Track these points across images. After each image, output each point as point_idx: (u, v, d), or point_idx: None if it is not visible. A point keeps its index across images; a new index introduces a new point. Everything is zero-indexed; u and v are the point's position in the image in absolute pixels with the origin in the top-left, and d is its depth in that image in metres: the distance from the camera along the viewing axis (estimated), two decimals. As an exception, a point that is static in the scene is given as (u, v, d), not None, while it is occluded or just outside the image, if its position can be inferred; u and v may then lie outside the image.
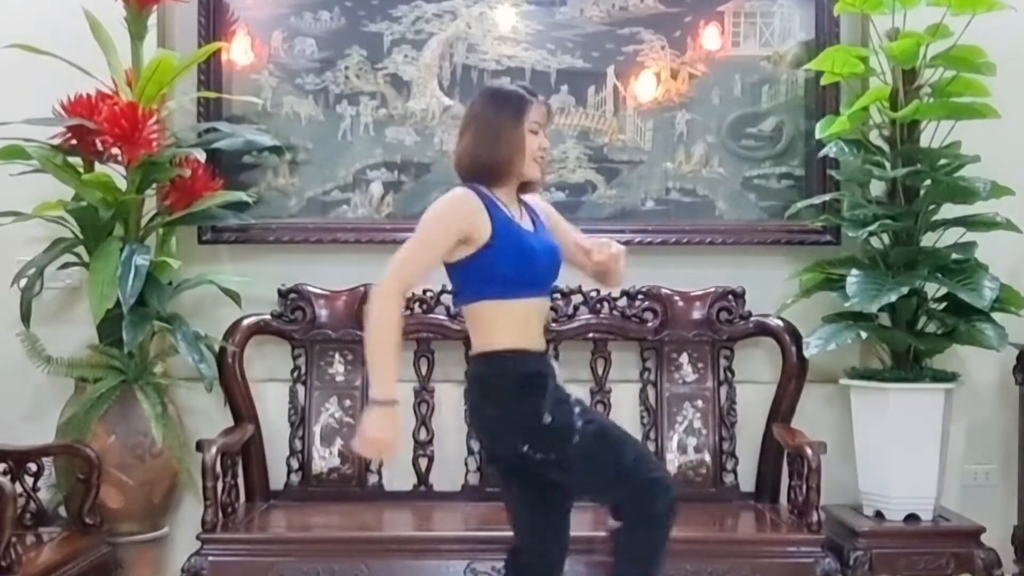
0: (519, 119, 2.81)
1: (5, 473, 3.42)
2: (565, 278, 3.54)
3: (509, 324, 2.79)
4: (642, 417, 4.01)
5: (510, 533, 3.02)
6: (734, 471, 3.98)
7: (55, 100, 3.68)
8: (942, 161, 3.73)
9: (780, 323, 3.97)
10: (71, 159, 3.69)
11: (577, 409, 2.82)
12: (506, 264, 2.77)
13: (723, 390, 4.02)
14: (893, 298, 3.55)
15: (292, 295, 3.99)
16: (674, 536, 3.38)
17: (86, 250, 3.73)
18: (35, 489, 3.55)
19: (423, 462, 3.94)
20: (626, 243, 3.93)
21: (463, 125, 2.92)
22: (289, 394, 4.00)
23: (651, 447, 3.96)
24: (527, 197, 2.96)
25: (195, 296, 3.96)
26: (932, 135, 3.78)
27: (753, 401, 4.01)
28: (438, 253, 2.78)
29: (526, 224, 2.87)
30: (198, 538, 3.44)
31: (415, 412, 3.96)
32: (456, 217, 2.76)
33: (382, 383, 2.74)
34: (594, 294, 3.98)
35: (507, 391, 2.80)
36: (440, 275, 2.98)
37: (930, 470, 3.67)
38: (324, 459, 3.94)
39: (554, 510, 2.94)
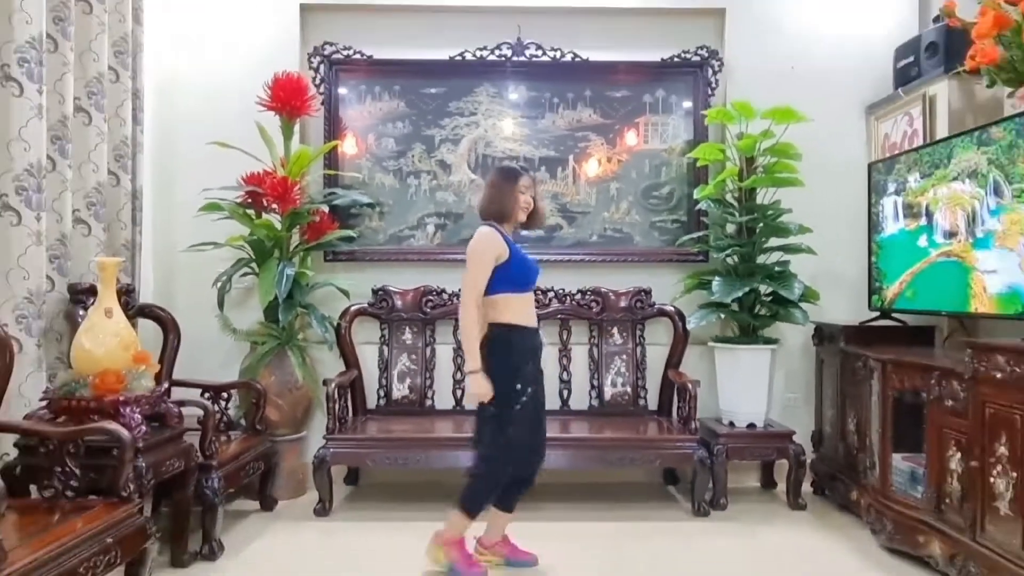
0: (514, 184, 2.77)
1: (209, 399, 3.43)
2: (543, 283, 3.78)
3: (516, 307, 2.70)
4: (589, 365, 4.00)
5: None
6: (644, 398, 3.96)
7: (238, 175, 3.70)
8: (769, 212, 3.76)
9: (672, 309, 3.98)
10: (248, 211, 3.71)
11: (530, 389, 2.63)
12: (517, 272, 2.72)
13: (638, 350, 3.98)
14: (740, 294, 3.59)
15: (380, 292, 3.98)
16: (608, 436, 3.45)
17: (257, 265, 3.75)
18: (226, 408, 3.55)
19: (458, 392, 3.94)
20: (579, 261, 4.03)
21: (485, 188, 2.84)
22: (378, 352, 3.97)
23: (595, 383, 3.95)
24: None
25: (322, 293, 3.95)
26: (764, 196, 3.84)
27: (657, 356, 4.00)
28: (488, 271, 2.66)
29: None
30: (324, 438, 3.49)
31: (453, 363, 3.97)
32: (492, 247, 2.68)
33: (473, 359, 2.61)
34: (561, 290, 3.98)
35: (505, 350, 2.64)
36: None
37: (762, 397, 3.71)
38: (399, 390, 3.91)
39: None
